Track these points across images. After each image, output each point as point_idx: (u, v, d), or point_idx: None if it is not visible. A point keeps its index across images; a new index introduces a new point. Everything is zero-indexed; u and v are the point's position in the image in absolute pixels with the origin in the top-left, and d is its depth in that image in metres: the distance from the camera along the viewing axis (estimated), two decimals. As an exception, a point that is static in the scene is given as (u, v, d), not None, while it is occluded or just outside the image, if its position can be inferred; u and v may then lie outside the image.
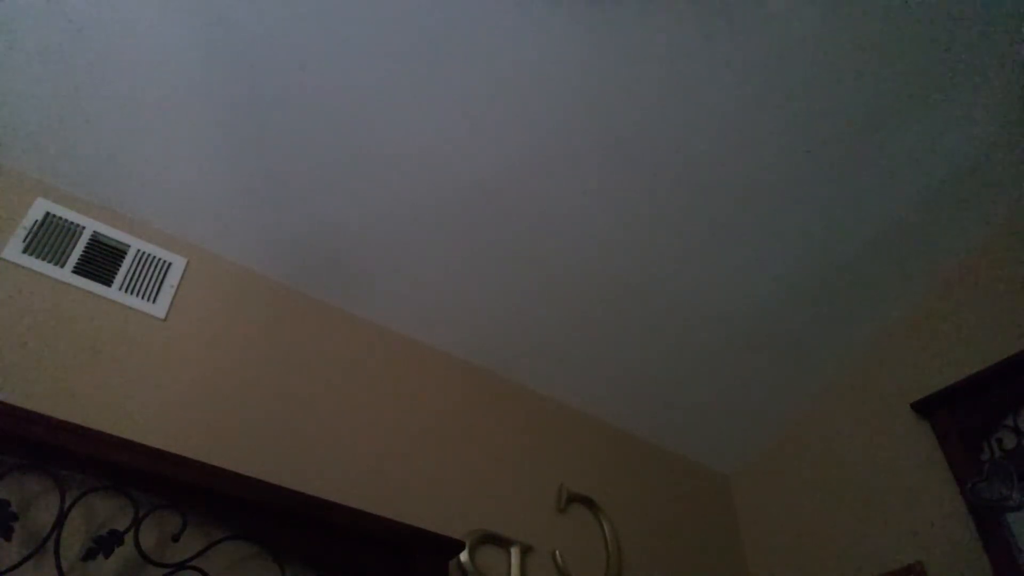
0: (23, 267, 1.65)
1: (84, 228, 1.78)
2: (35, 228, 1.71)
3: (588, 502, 2.27)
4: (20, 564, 1.26)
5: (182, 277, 1.87)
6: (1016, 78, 1.90)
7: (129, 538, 1.36)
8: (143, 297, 1.78)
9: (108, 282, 1.74)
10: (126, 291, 1.76)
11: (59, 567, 1.28)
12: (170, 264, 1.86)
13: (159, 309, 1.78)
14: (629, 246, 2.12)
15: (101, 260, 1.77)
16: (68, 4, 1.54)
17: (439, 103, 1.78)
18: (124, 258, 1.80)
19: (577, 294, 2.22)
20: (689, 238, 2.13)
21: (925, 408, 2.14)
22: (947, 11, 1.75)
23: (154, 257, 1.85)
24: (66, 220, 1.76)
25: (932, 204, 2.12)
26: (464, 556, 1.87)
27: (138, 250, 1.83)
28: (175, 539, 1.41)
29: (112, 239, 1.81)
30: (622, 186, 1.99)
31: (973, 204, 2.14)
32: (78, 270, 1.72)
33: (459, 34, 1.67)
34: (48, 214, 1.74)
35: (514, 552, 1.99)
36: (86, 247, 1.76)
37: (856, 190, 2.07)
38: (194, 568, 1.41)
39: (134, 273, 1.79)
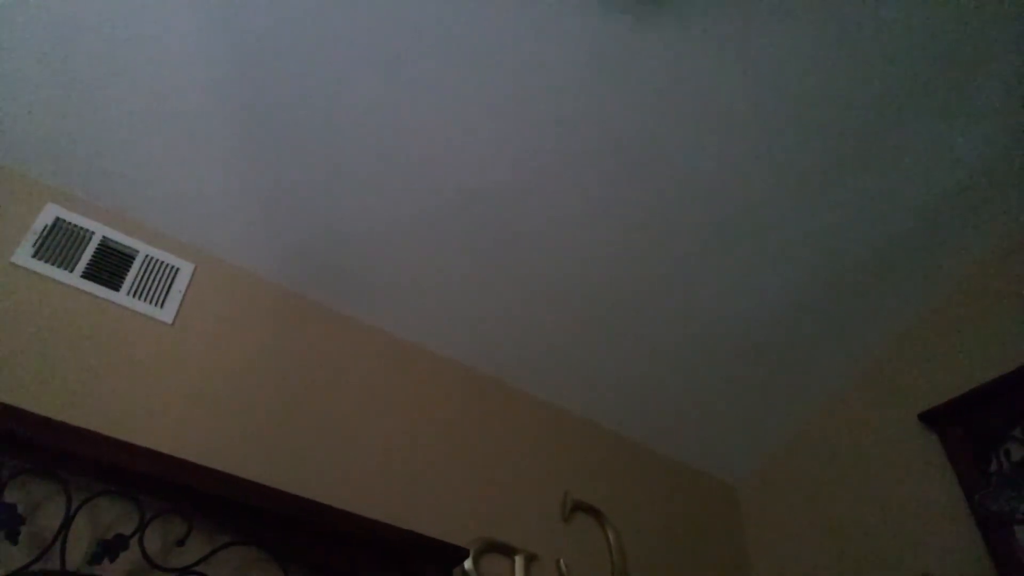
0: (33, 271, 1.66)
1: (93, 233, 1.79)
2: (45, 233, 1.72)
3: (593, 511, 2.26)
4: (26, 567, 1.26)
5: (190, 282, 1.88)
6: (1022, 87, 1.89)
7: (134, 542, 1.37)
8: (151, 302, 1.78)
9: (116, 287, 1.75)
10: (134, 296, 1.77)
11: (64, 571, 1.28)
12: (178, 269, 1.87)
13: (167, 314, 1.79)
14: (634, 252, 2.12)
15: (110, 265, 1.78)
16: (77, 11, 1.55)
17: (442, 111, 1.78)
18: (132, 263, 1.81)
19: (582, 300, 2.22)
20: (694, 245, 2.12)
21: (933, 419, 2.13)
22: (955, 18, 1.75)
23: (162, 262, 1.86)
24: (76, 225, 1.78)
25: (939, 213, 2.11)
26: (468, 564, 1.87)
27: (146, 255, 1.84)
28: (180, 544, 1.42)
29: (121, 244, 1.82)
30: (625, 192, 1.99)
31: (980, 213, 2.13)
32: (87, 275, 1.73)
33: (461, 43, 1.68)
34: (58, 219, 1.76)
35: (518, 560, 1.99)
36: (95, 252, 1.77)
37: (864, 198, 2.06)
38: (199, 573, 1.41)
39: (142, 278, 1.80)
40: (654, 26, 1.68)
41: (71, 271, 1.71)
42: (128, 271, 1.80)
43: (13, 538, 1.27)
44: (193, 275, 1.90)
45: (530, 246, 2.07)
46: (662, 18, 1.67)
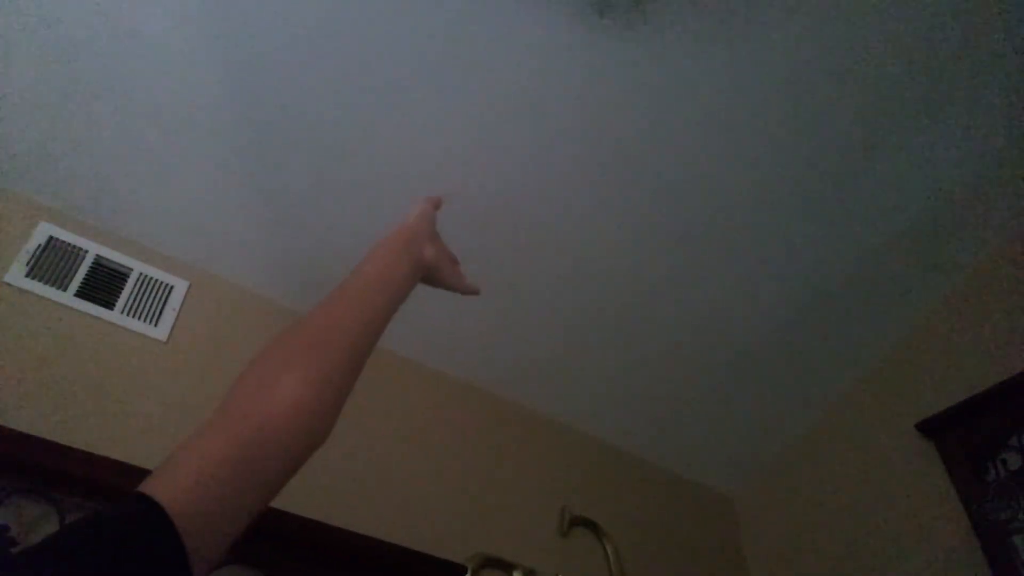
0: (26, 291, 1.66)
1: (87, 252, 1.79)
2: (38, 252, 1.72)
3: (591, 525, 2.25)
4: (18, 590, 1.25)
5: (184, 300, 1.87)
6: (1019, 94, 1.90)
7: (128, 563, 1.36)
8: (145, 320, 1.78)
9: (110, 305, 1.75)
10: (128, 314, 1.76)
11: (57, 593, 1.27)
12: (172, 287, 1.87)
13: (161, 332, 1.79)
14: (630, 263, 2.12)
15: (103, 284, 1.77)
16: (69, 26, 1.56)
17: (440, 122, 1.79)
18: (126, 281, 1.81)
19: (576, 311, 2.22)
20: (688, 255, 2.12)
21: (930, 428, 2.13)
22: (953, 23, 1.76)
23: (156, 280, 1.86)
24: (69, 244, 1.77)
25: (936, 220, 2.11)
26: (466, 580, 1.86)
27: (140, 273, 1.84)
28: (174, 564, 1.41)
29: (114, 262, 1.82)
30: (618, 202, 1.99)
31: (978, 220, 2.13)
32: (80, 294, 1.72)
33: (459, 52, 1.69)
34: (51, 238, 1.75)
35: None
36: (88, 271, 1.76)
37: (859, 205, 2.06)
38: (193, 593, 1.40)
39: (136, 296, 1.80)
40: (653, 34, 1.68)
41: (64, 290, 1.70)
42: (122, 289, 1.79)
43: (5, 560, 1.26)
44: (188, 292, 1.89)
45: (526, 257, 2.07)
46: (660, 27, 1.67)
